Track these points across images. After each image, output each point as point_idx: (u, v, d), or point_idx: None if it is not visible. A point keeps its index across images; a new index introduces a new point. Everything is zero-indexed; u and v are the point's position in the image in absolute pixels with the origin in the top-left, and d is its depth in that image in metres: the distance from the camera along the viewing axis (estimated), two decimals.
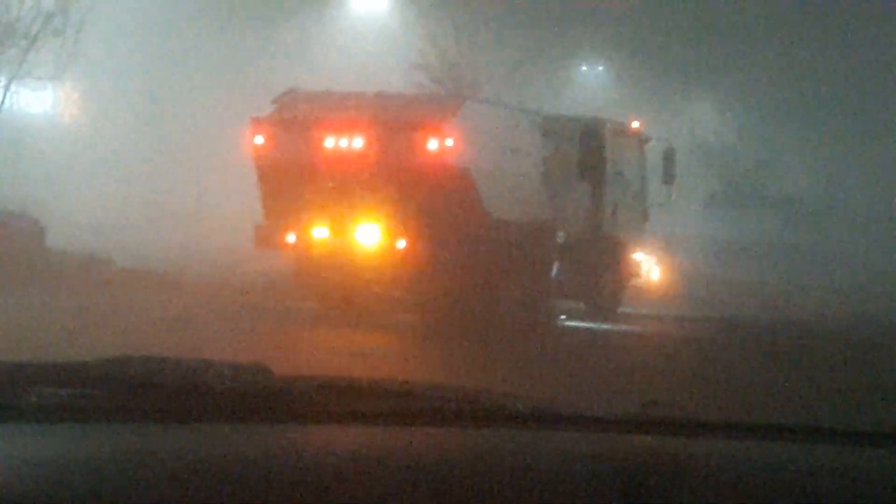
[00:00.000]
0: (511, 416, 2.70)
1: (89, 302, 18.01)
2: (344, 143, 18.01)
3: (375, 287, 18.96)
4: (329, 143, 18.06)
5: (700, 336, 19.71)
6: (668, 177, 22.77)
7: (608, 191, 21.36)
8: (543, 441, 2.57)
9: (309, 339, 16.63)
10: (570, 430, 2.65)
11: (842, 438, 2.73)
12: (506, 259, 18.67)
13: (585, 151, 20.98)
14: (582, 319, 20.59)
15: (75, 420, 2.47)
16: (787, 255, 42.85)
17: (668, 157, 22.70)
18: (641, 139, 22.71)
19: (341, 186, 18.03)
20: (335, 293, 19.06)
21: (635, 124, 22.77)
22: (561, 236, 20.17)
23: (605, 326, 20.26)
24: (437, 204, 17.79)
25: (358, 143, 17.96)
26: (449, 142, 17.63)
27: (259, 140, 18.53)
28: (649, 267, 23.42)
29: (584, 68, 51.06)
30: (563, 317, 20.53)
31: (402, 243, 17.92)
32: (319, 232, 18.35)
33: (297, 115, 18.39)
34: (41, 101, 38.30)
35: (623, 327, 20.42)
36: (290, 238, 18.52)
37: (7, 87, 27.40)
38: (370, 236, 18.08)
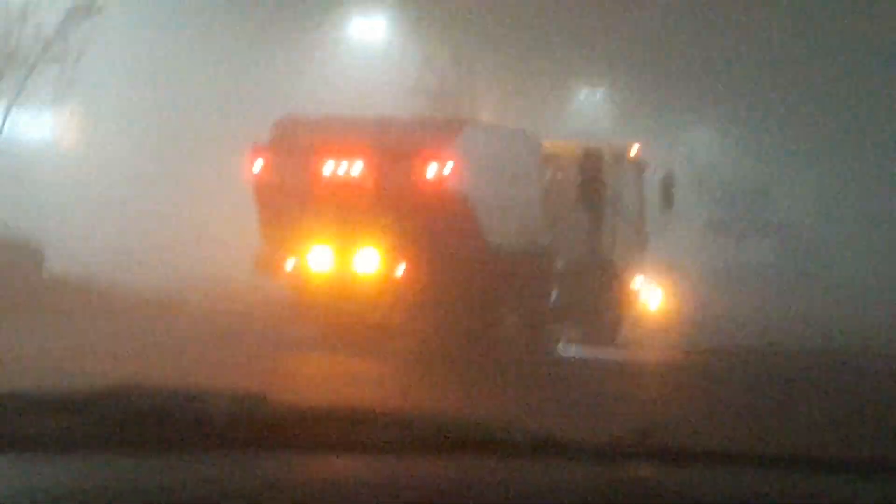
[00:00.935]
0: (510, 445, 2.69)
1: (87, 329, 17.96)
2: (343, 168, 18.02)
3: (374, 313, 18.92)
4: (328, 168, 18.06)
5: (698, 363, 19.66)
6: (667, 202, 22.77)
7: (607, 216, 21.35)
8: (542, 470, 2.56)
9: (307, 366, 16.59)
10: (567, 460, 2.64)
11: (840, 468, 2.72)
12: (504, 285, 18.64)
13: (585, 177, 20.97)
14: (581, 346, 20.54)
15: (71, 450, 2.46)
16: (786, 281, 42.84)
17: (668, 183, 22.70)
18: (641, 165, 22.70)
19: (340, 211, 18.02)
20: (334, 319, 19.03)
21: (635, 150, 22.77)
22: (560, 262, 20.15)
23: (603, 354, 20.20)
24: (436, 229, 17.78)
25: (357, 168, 17.96)
26: (448, 167, 17.64)
27: (258, 165, 18.54)
28: (648, 293, 23.35)
29: (583, 92, 51.12)
30: (561, 344, 20.49)
31: (401, 269, 17.91)
32: (318, 257, 18.34)
33: (295, 140, 18.40)
34: (40, 127, 38.31)
35: (622, 354, 20.36)
36: (289, 264, 18.51)
37: (6, 114, 27.39)
38: (369, 262, 18.06)
